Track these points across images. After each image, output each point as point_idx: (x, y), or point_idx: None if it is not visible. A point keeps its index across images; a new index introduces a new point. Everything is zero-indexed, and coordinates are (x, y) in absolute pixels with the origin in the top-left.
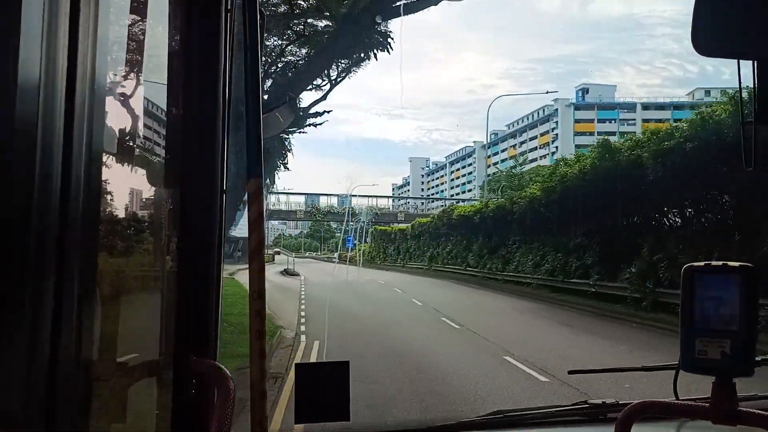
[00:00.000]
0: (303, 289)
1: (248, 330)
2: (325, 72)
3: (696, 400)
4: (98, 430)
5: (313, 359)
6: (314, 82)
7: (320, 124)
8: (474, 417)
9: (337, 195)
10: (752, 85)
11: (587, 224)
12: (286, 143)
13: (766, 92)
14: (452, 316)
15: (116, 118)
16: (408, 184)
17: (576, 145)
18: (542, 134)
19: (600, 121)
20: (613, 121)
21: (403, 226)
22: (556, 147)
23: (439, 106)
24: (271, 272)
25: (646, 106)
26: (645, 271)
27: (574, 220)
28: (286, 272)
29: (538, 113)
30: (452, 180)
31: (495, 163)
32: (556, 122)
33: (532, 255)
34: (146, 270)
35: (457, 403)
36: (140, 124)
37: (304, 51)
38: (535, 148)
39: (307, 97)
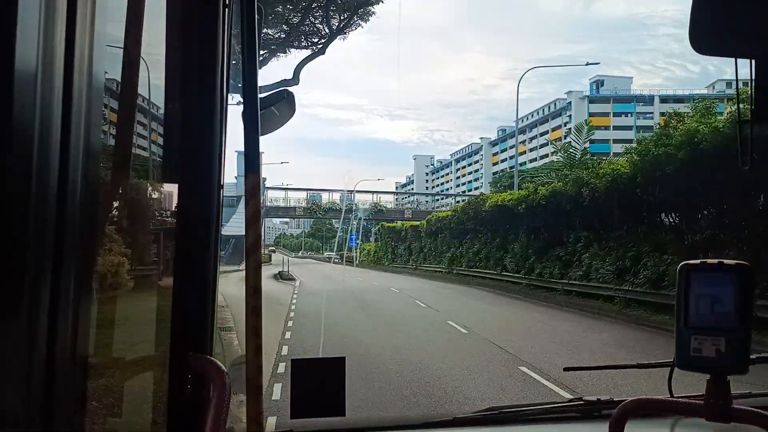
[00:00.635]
0: (294, 299)
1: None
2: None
3: (690, 397)
4: (96, 427)
5: None
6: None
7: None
8: (469, 413)
9: (339, 190)
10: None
11: (720, 210)
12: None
13: (763, 90)
14: (545, 368)
15: (113, 115)
16: (412, 182)
17: (591, 140)
18: (553, 129)
19: (616, 114)
20: (629, 115)
21: (414, 222)
22: (569, 142)
23: (441, 106)
24: (264, 275)
25: (664, 99)
26: None
27: (697, 204)
28: (280, 276)
29: (549, 108)
30: (458, 178)
31: (503, 160)
32: (569, 116)
33: (612, 257)
34: (143, 267)
35: None
36: (137, 122)
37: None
38: (545, 144)
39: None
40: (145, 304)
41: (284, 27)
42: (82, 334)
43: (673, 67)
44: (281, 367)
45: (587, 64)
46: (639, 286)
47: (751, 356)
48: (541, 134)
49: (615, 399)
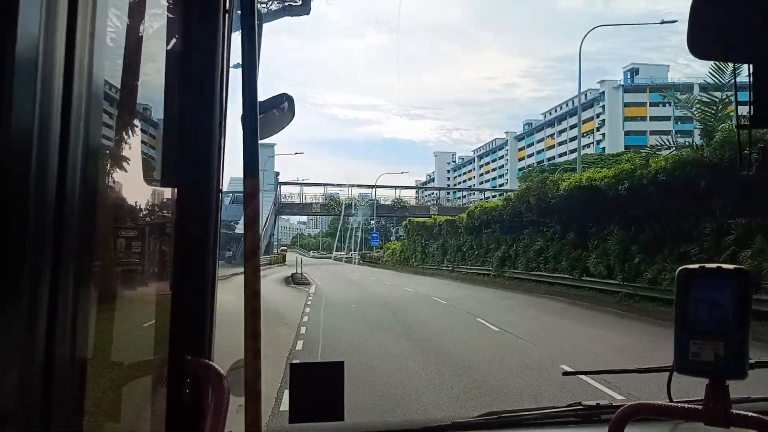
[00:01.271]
0: (306, 316)
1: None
2: None
3: (689, 402)
4: (94, 430)
5: None
6: None
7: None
8: (469, 417)
9: (359, 185)
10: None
11: None
12: None
13: (761, 94)
14: None
15: (113, 118)
16: (433, 180)
17: (625, 132)
18: (585, 121)
19: (653, 104)
20: (667, 105)
21: (448, 217)
22: (603, 134)
23: (459, 105)
24: (271, 279)
25: (704, 87)
26: None
27: None
28: (293, 280)
29: (579, 99)
30: (481, 174)
31: (530, 155)
32: (603, 107)
33: None
34: (142, 269)
35: None
36: (137, 124)
37: None
38: (575, 138)
39: None
40: (143, 307)
41: None
42: (80, 335)
43: (696, 64)
44: None
45: (662, 22)
46: None
47: (750, 361)
48: (571, 127)
49: (614, 404)
